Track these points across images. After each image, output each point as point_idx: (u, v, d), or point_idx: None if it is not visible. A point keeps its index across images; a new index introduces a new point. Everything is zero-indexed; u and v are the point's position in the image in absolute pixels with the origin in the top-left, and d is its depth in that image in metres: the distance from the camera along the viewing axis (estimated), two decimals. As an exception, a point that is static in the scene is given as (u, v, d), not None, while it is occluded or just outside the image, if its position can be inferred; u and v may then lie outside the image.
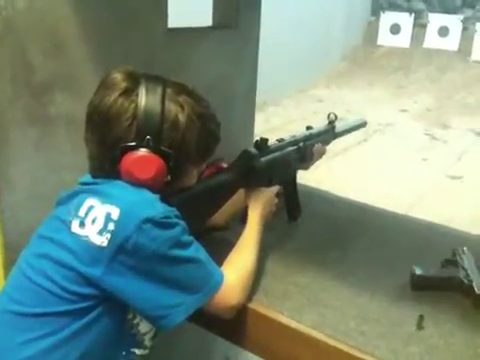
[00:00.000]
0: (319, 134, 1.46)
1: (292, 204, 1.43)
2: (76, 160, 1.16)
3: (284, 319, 1.03)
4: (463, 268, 1.16)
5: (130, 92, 0.95)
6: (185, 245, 0.94)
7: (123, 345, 1.00)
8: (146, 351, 1.05)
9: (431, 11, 8.58)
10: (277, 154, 1.28)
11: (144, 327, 1.02)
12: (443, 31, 8.34)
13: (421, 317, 1.03)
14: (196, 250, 0.96)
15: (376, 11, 9.07)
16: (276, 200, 1.28)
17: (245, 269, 1.06)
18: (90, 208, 0.93)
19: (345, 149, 4.57)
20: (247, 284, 1.06)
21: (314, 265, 1.22)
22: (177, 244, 0.92)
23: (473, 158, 4.95)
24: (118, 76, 0.97)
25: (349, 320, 1.03)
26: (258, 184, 1.23)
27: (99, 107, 0.96)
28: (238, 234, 1.14)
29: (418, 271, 1.15)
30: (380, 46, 8.90)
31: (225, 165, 1.25)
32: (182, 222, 0.95)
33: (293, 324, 1.02)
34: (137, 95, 0.95)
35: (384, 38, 8.88)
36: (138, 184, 0.95)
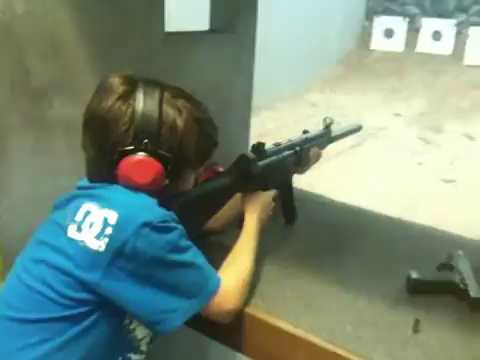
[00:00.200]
0: (315, 138, 1.47)
1: (288, 208, 1.43)
2: (73, 164, 1.15)
3: (281, 323, 1.03)
4: (459, 272, 1.17)
5: (128, 96, 0.95)
6: (183, 249, 0.94)
7: (120, 350, 1.00)
8: (142, 356, 1.05)
9: (424, 15, 8.62)
10: (274, 158, 1.29)
11: (141, 332, 1.01)
12: (436, 35, 8.38)
13: (417, 321, 1.03)
14: (194, 255, 0.96)
15: (370, 15, 9.10)
16: (273, 204, 1.28)
17: (242, 274, 1.06)
18: (87, 213, 0.93)
19: (339, 153, 4.58)
20: (244, 289, 1.05)
21: (311, 269, 1.22)
22: (175, 248, 0.92)
23: (466, 162, 4.98)
24: (116, 80, 0.97)
25: (346, 324, 1.03)
26: (255, 188, 1.24)
27: (97, 111, 0.96)
28: (235, 238, 1.14)
29: (414, 275, 1.15)
30: (374, 50, 8.93)
31: (221, 169, 1.26)
32: (180, 226, 0.95)
33: (290, 328, 1.02)
34: (135, 99, 0.95)
35: (378, 42, 8.92)
36: (136, 188, 0.95)
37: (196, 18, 2.04)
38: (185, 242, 0.95)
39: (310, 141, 1.44)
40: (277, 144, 1.33)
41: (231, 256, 1.10)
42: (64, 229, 0.93)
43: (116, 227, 0.89)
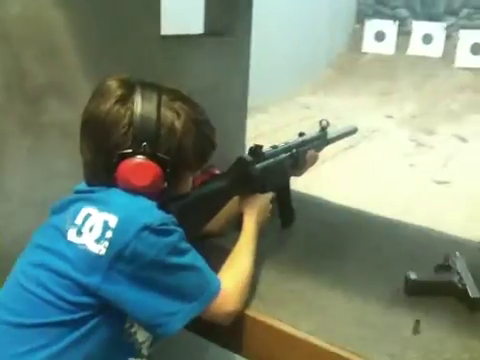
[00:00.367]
0: (312, 140, 1.47)
1: (286, 210, 1.43)
2: (70, 168, 1.15)
3: (282, 325, 1.03)
4: (457, 272, 1.18)
5: (126, 99, 0.95)
6: (183, 252, 0.94)
7: (121, 355, 0.99)
8: (143, 360, 1.04)
9: (415, 19, 8.69)
10: (271, 161, 1.29)
11: (141, 336, 1.01)
12: (427, 38, 8.45)
13: (417, 322, 1.04)
14: (194, 257, 0.96)
15: (361, 18, 9.16)
16: (270, 206, 1.28)
17: (242, 276, 1.06)
18: (87, 216, 0.92)
19: (333, 155, 4.59)
20: (244, 291, 1.05)
21: (309, 272, 1.22)
22: (175, 251, 0.92)
23: (459, 163, 5.01)
24: (113, 83, 0.97)
25: (346, 326, 1.03)
26: (253, 191, 1.24)
27: (95, 114, 0.95)
28: (233, 241, 1.14)
29: (413, 276, 1.16)
30: (365, 53, 8.99)
31: (218, 171, 1.26)
32: (180, 229, 0.95)
33: (291, 330, 1.02)
34: (133, 102, 0.94)
35: (369, 45, 8.97)
36: (135, 191, 0.95)
37: (190, 21, 2.04)
38: (184, 245, 0.95)
39: (307, 143, 1.44)
40: (274, 146, 1.33)
41: (230, 258, 1.10)
42: (64, 233, 0.92)
43: (116, 230, 0.88)
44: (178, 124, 0.98)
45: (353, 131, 1.70)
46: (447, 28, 8.33)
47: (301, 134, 1.46)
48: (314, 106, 6.85)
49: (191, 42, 1.57)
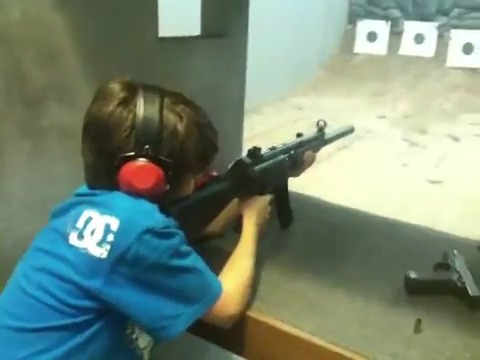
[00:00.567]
0: (309, 141, 1.48)
1: (284, 211, 1.44)
2: (70, 171, 1.15)
3: (284, 326, 1.04)
4: (456, 271, 1.18)
5: (128, 102, 0.94)
6: (184, 255, 0.94)
7: None
8: (144, 365, 1.04)
9: (407, 19, 8.73)
10: (270, 162, 1.30)
11: (143, 342, 1.00)
12: (419, 38, 8.49)
13: (419, 321, 1.04)
14: (195, 259, 0.96)
15: (353, 19, 9.19)
16: (269, 208, 1.29)
17: (243, 278, 1.06)
18: (88, 219, 0.92)
19: (328, 156, 4.60)
20: (245, 293, 1.06)
21: (310, 272, 1.22)
22: (177, 254, 0.92)
23: (451, 163, 5.03)
24: (115, 86, 0.96)
25: (349, 326, 1.03)
26: (252, 193, 1.24)
27: (97, 117, 0.95)
28: (232, 243, 1.15)
29: (413, 275, 1.16)
30: (357, 54, 9.01)
31: (216, 173, 1.26)
32: (181, 232, 0.95)
33: (293, 331, 1.02)
34: (135, 105, 0.94)
35: (361, 46, 9.00)
36: (137, 194, 0.94)
37: (187, 23, 2.04)
38: (186, 247, 0.95)
39: (304, 144, 1.45)
40: (272, 148, 1.34)
41: (231, 261, 1.10)
42: (65, 236, 0.92)
43: (118, 234, 0.88)
44: (181, 127, 0.97)
45: (350, 131, 1.71)
46: (439, 28, 8.37)
47: (299, 135, 1.47)
48: (307, 107, 6.86)
49: (188, 44, 1.57)
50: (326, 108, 6.52)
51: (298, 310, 1.08)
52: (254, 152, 1.25)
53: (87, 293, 0.89)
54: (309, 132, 1.51)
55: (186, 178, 1.05)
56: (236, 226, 1.21)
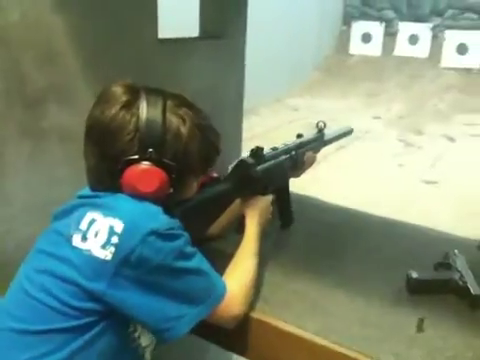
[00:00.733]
0: (310, 142, 1.48)
1: (285, 212, 1.44)
2: (71, 173, 1.15)
3: (287, 326, 1.04)
4: (457, 270, 1.19)
5: (131, 105, 0.94)
6: (189, 256, 0.94)
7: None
8: (146, 364, 1.04)
9: (401, 20, 8.77)
10: (272, 163, 1.30)
11: (145, 340, 1.00)
12: (413, 39, 8.53)
13: (421, 320, 1.05)
14: (200, 261, 0.96)
15: (347, 20, 9.22)
16: (271, 208, 1.29)
17: (246, 278, 1.06)
18: (92, 221, 0.92)
19: (325, 156, 4.61)
20: (249, 293, 1.05)
21: (311, 272, 1.22)
22: (181, 255, 0.92)
23: (447, 163, 5.06)
24: (118, 89, 0.96)
25: (351, 326, 1.03)
26: (255, 193, 1.24)
27: (100, 120, 0.94)
28: (233, 243, 1.14)
29: (414, 275, 1.16)
30: (352, 55, 9.05)
31: (216, 174, 1.26)
32: (185, 233, 0.94)
33: (297, 331, 1.02)
34: (138, 108, 0.94)
35: (356, 47, 9.04)
36: (141, 197, 0.94)
37: (186, 24, 2.04)
38: (190, 249, 0.95)
39: (305, 145, 1.45)
40: (274, 148, 1.34)
41: (234, 261, 1.10)
42: (68, 238, 0.92)
43: (122, 236, 0.88)
44: (184, 130, 0.97)
45: (349, 132, 1.71)
46: (433, 29, 8.42)
47: (299, 136, 1.47)
48: (302, 108, 6.89)
49: (188, 45, 1.57)
50: (321, 109, 6.55)
51: (301, 310, 1.08)
52: (256, 152, 1.25)
53: (90, 295, 0.88)
54: (309, 133, 1.52)
55: (189, 181, 1.04)
56: (238, 226, 1.21)
